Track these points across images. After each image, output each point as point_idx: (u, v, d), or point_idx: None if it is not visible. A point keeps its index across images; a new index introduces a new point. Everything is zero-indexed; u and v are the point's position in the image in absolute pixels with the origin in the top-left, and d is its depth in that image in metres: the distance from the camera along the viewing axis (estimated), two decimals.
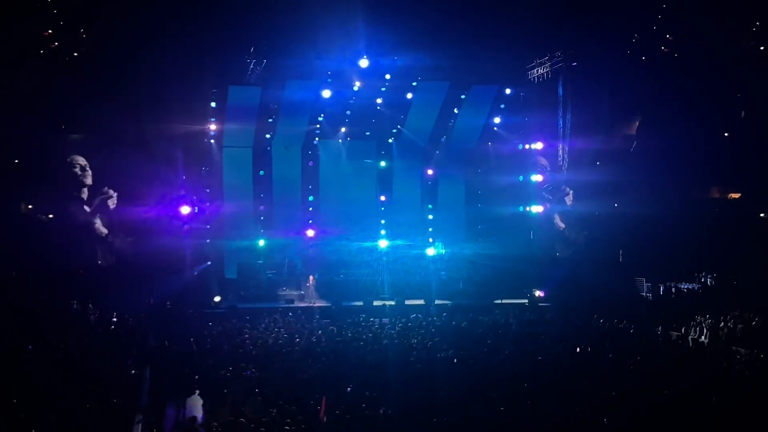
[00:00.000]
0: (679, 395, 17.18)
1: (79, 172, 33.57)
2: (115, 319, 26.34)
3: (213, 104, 34.26)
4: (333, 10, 30.39)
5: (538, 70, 35.13)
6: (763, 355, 21.93)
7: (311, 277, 34.84)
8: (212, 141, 35.75)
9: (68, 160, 33.53)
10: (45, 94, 31.60)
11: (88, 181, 33.84)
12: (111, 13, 30.71)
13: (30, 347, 20.32)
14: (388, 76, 33.91)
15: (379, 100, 36.48)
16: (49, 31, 32.48)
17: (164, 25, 30.38)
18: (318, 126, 37.89)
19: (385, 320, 28.31)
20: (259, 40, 31.38)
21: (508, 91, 37.24)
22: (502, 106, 38.22)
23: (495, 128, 39.33)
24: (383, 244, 38.16)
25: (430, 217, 41.58)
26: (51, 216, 33.68)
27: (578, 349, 22.66)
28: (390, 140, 39.73)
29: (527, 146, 37.89)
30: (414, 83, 35.95)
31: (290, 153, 38.46)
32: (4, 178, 32.13)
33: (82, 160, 33.72)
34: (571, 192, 36.60)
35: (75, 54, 32.67)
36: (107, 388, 17.47)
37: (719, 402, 16.68)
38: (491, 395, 17.39)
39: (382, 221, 40.46)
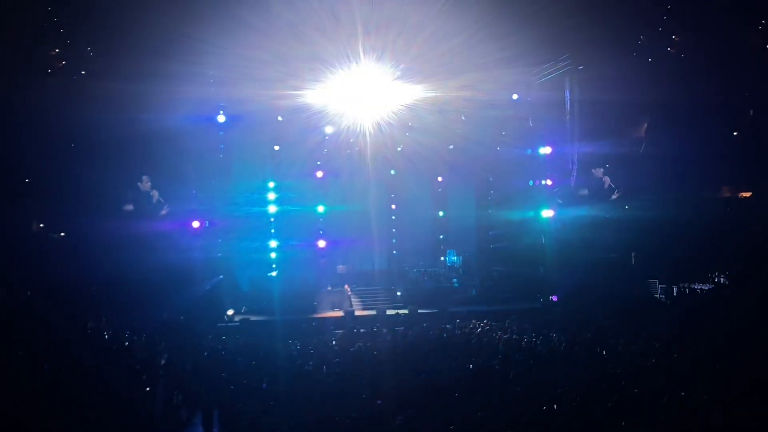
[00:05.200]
0: (695, 397, 17.11)
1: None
2: (128, 335, 26.39)
3: (222, 118, 34.45)
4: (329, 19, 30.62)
5: (545, 75, 35.20)
6: None
7: (347, 286, 35.02)
8: (221, 156, 35.76)
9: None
10: (53, 113, 31.67)
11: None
12: (117, 31, 30.80)
13: (46, 366, 20.37)
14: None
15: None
16: (56, 50, 32.60)
17: (172, 39, 30.42)
18: (327, 137, 37.84)
19: (399, 329, 28.30)
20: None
21: (515, 96, 37.22)
22: (510, 111, 38.23)
23: (503, 133, 39.31)
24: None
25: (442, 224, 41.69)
26: (63, 234, 33.77)
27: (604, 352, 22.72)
28: (399, 148, 39.50)
29: (536, 151, 37.84)
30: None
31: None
32: (16, 197, 32.19)
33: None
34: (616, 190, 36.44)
35: (82, 72, 32.78)
36: (122, 405, 17.50)
37: (734, 402, 16.59)
38: (507, 401, 17.37)
39: (393, 230, 40.56)
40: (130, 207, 33.52)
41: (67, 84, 32.24)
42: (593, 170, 36.42)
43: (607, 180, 36.27)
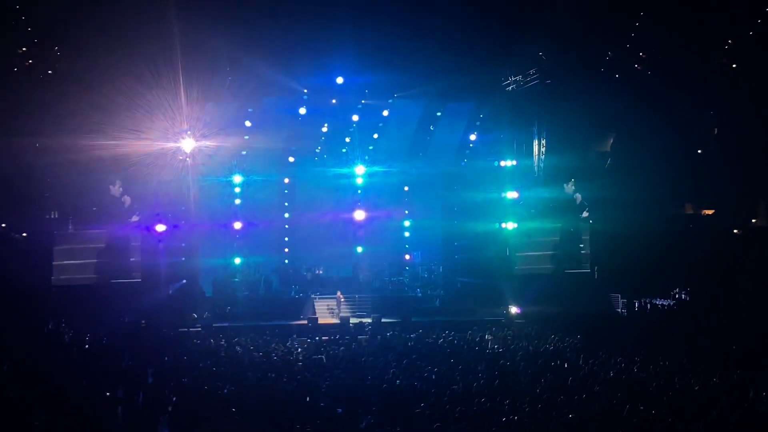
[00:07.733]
0: (655, 411, 17.24)
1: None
2: (88, 338, 26.11)
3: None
4: (309, 26, 30.52)
5: (512, 87, 35.38)
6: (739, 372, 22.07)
7: (339, 293, 34.89)
8: (188, 159, 35.53)
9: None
10: (19, 111, 31.30)
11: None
12: (86, 30, 30.52)
13: (5, 368, 20.12)
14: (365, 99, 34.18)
15: (355, 117, 36.57)
16: (24, 49, 32.24)
17: (139, 40, 30.21)
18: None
19: (362, 337, 28.28)
20: (235, 56, 31.39)
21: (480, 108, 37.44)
22: (478, 123, 38.44)
23: (470, 145, 39.52)
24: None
25: (407, 234, 41.79)
26: (24, 234, 33.38)
27: (566, 365, 22.79)
28: (366, 157, 39.52)
29: (502, 163, 37.96)
30: (390, 100, 36.19)
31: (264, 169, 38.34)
32: None
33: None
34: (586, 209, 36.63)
35: (49, 71, 32.42)
36: (82, 409, 17.31)
37: (693, 416, 16.75)
38: (469, 412, 17.38)
39: (358, 238, 40.52)
40: (97, 210, 33.21)
41: (33, 84, 31.94)
42: (560, 184, 36.58)
43: (579, 197, 36.41)
